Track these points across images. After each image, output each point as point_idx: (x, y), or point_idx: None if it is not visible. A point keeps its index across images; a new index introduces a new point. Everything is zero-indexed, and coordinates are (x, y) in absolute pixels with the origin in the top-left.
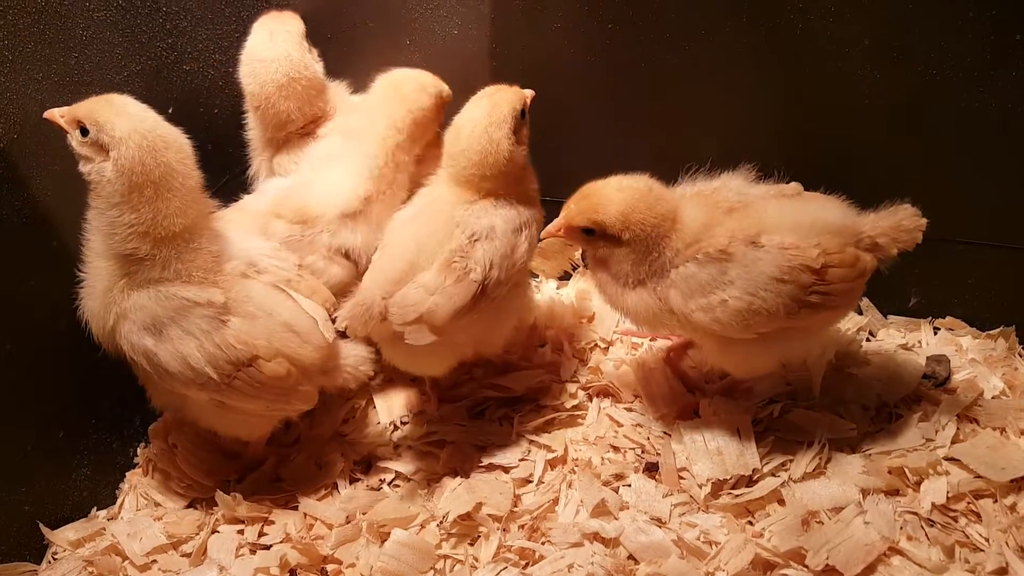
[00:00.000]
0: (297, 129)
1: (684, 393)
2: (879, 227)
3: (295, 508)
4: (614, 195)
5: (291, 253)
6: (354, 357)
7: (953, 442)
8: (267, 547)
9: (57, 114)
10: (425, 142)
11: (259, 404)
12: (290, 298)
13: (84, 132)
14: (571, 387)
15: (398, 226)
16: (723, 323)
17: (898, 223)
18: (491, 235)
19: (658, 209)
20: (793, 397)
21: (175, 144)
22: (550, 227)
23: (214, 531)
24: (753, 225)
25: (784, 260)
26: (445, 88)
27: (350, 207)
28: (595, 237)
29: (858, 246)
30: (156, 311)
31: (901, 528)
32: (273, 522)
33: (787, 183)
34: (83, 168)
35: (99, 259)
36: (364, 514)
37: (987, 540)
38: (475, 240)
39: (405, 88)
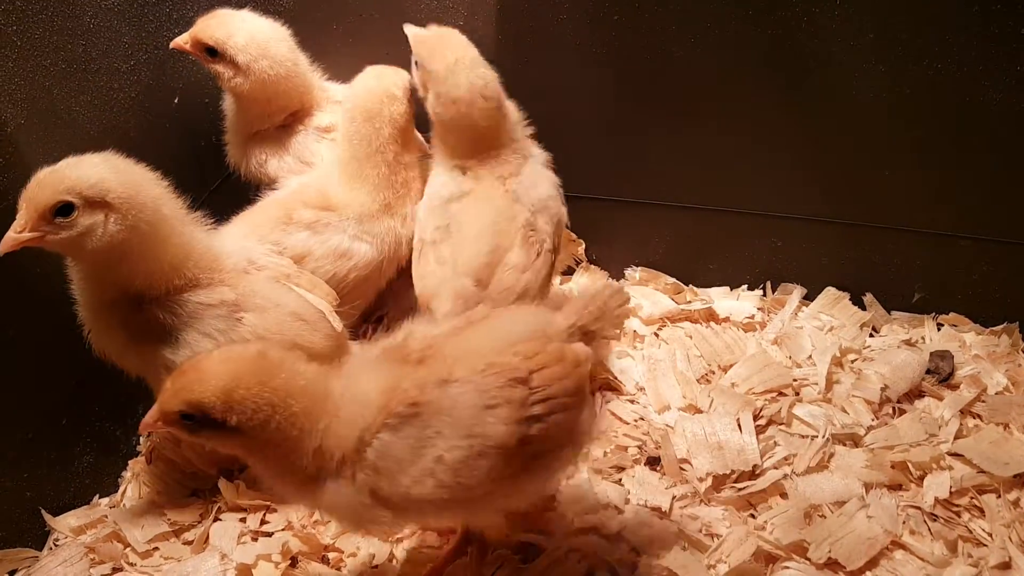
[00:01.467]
0: (277, 124)
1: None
2: (586, 314)
3: None
4: (216, 368)
5: (289, 259)
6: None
7: (956, 437)
8: (269, 535)
9: (24, 226)
10: (412, 123)
11: None
12: (292, 290)
13: (67, 210)
14: None
15: (461, 215)
16: (450, 485)
17: (603, 304)
18: (546, 205)
19: (276, 382)
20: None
21: (145, 173)
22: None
23: (216, 519)
24: (445, 365)
25: (487, 383)
26: (405, 77)
27: (370, 211)
28: (196, 425)
29: (571, 338)
30: (168, 321)
31: (904, 522)
32: (275, 510)
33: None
34: (82, 236)
35: (98, 303)
36: None
37: (990, 535)
38: (536, 212)
39: (375, 105)
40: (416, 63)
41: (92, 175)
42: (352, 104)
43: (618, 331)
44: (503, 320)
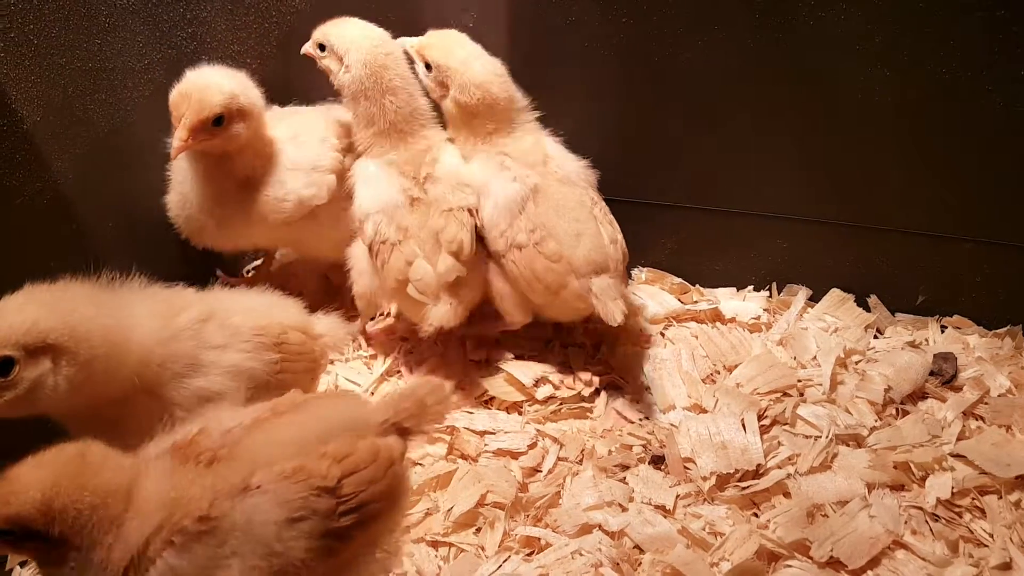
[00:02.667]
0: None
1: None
2: (402, 410)
3: None
4: (32, 474)
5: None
6: (326, 325)
7: (959, 439)
8: None
9: None
10: None
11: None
12: (243, 295)
13: (6, 367)
14: (581, 377)
15: (546, 218)
16: None
17: (420, 401)
18: (588, 177)
19: (96, 482)
20: None
21: (73, 292)
22: None
23: None
24: (242, 468)
25: (291, 493)
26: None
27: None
28: (17, 540)
29: (384, 433)
30: (186, 358)
31: (906, 522)
32: None
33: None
34: (31, 392)
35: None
36: None
37: (991, 535)
38: (588, 186)
39: (397, 48)
40: (428, 66)
41: (23, 319)
42: (382, 60)
43: (437, 425)
44: (312, 412)
